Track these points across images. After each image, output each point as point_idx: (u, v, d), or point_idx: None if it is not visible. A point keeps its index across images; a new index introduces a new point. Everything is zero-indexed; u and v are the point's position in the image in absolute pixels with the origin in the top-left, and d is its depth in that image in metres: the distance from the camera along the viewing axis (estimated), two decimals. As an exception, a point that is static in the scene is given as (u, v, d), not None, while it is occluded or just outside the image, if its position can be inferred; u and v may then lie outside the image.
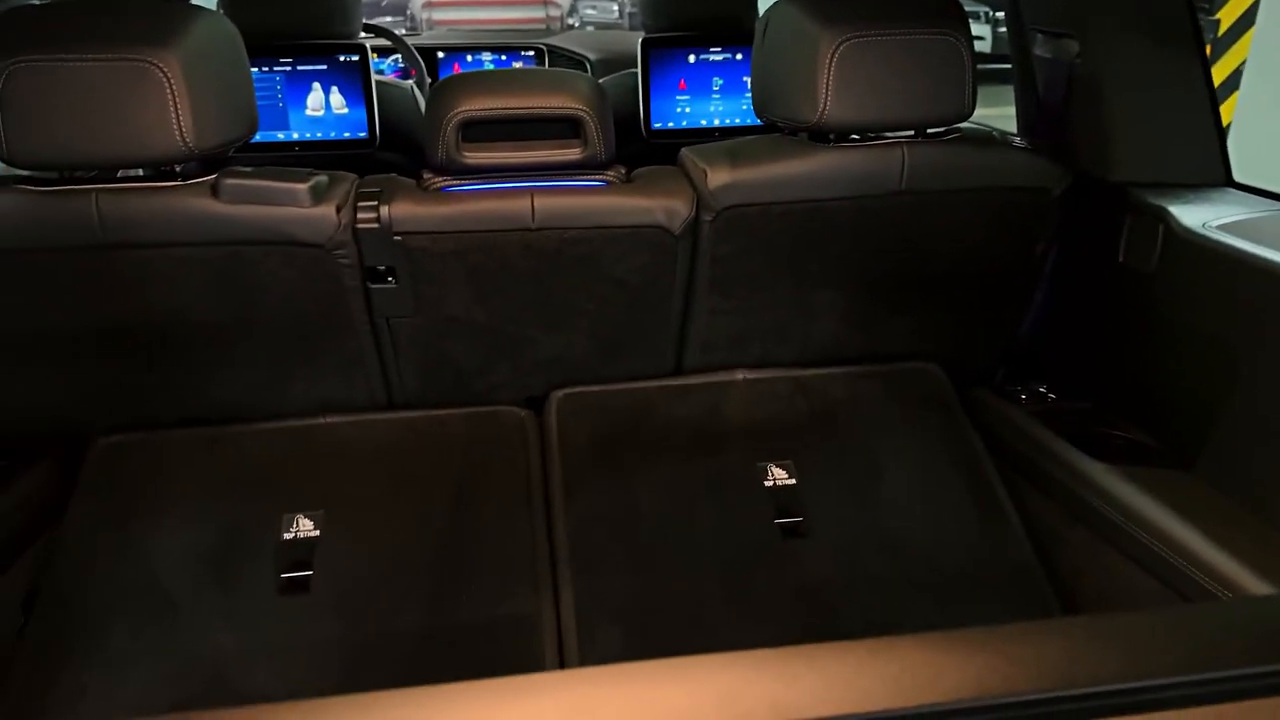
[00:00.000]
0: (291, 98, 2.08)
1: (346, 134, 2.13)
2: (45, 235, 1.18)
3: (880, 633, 0.52)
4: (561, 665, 1.27)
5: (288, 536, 1.38)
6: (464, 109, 1.26)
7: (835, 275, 1.43)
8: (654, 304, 1.40)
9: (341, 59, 2.08)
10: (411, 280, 1.31)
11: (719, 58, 2.21)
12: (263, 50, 2.00)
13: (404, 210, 1.26)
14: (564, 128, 1.31)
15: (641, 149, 2.18)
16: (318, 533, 1.38)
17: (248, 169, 1.24)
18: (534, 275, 1.33)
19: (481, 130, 1.29)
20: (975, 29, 8.43)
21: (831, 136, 1.32)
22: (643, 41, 2.17)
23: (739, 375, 1.58)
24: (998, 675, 0.48)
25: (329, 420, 1.50)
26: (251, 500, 1.41)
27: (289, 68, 2.07)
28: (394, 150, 2.20)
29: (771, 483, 1.49)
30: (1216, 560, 1.11)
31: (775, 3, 1.35)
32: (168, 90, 1.12)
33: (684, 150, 1.39)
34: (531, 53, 3.13)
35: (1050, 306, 1.58)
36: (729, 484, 1.49)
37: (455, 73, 3.10)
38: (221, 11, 2.54)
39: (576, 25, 9.86)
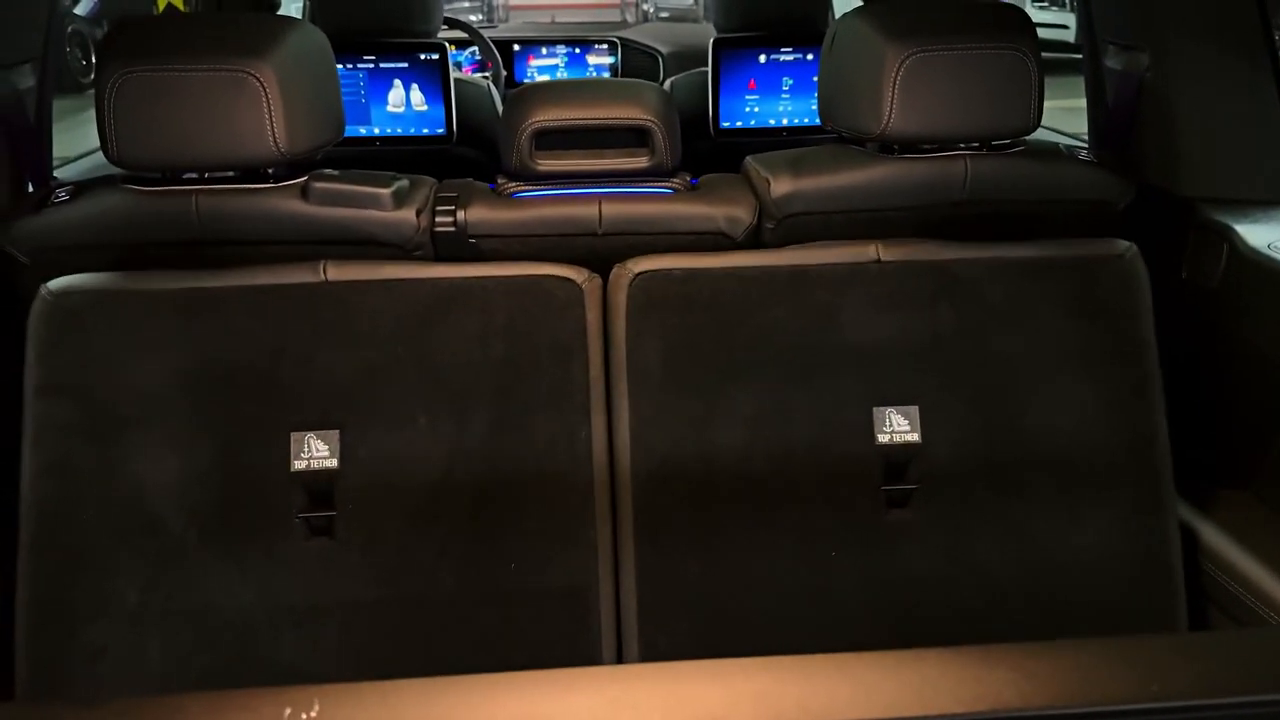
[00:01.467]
0: (374, 94, 2.17)
1: (425, 130, 2.21)
2: (149, 231, 1.27)
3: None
4: (620, 655, 1.23)
5: (299, 466, 1.21)
6: (538, 119, 1.32)
7: None
8: None
9: (422, 57, 2.16)
10: None
11: (789, 58, 2.23)
12: (347, 48, 2.09)
13: (479, 214, 1.32)
14: (632, 136, 1.36)
15: (709, 147, 2.22)
16: (335, 463, 1.21)
17: (335, 173, 1.31)
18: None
19: (554, 138, 1.35)
20: (1059, 17, 8.22)
21: (895, 147, 1.34)
22: (714, 42, 2.20)
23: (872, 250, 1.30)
24: (1014, 690, 0.52)
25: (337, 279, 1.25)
26: (250, 407, 1.23)
27: (372, 65, 2.15)
28: (470, 146, 2.28)
29: (887, 437, 1.26)
30: (1269, 585, 1.11)
31: (844, 15, 1.38)
32: (264, 99, 1.20)
33: (748, 159, 1.43)
34: (605, 45, 3.18)
35: None
36: (830, 429, 1.25)
37: (530, 64, 3.18)
38: (309, 10, 2.66)
39: (651, 11, 9.87)
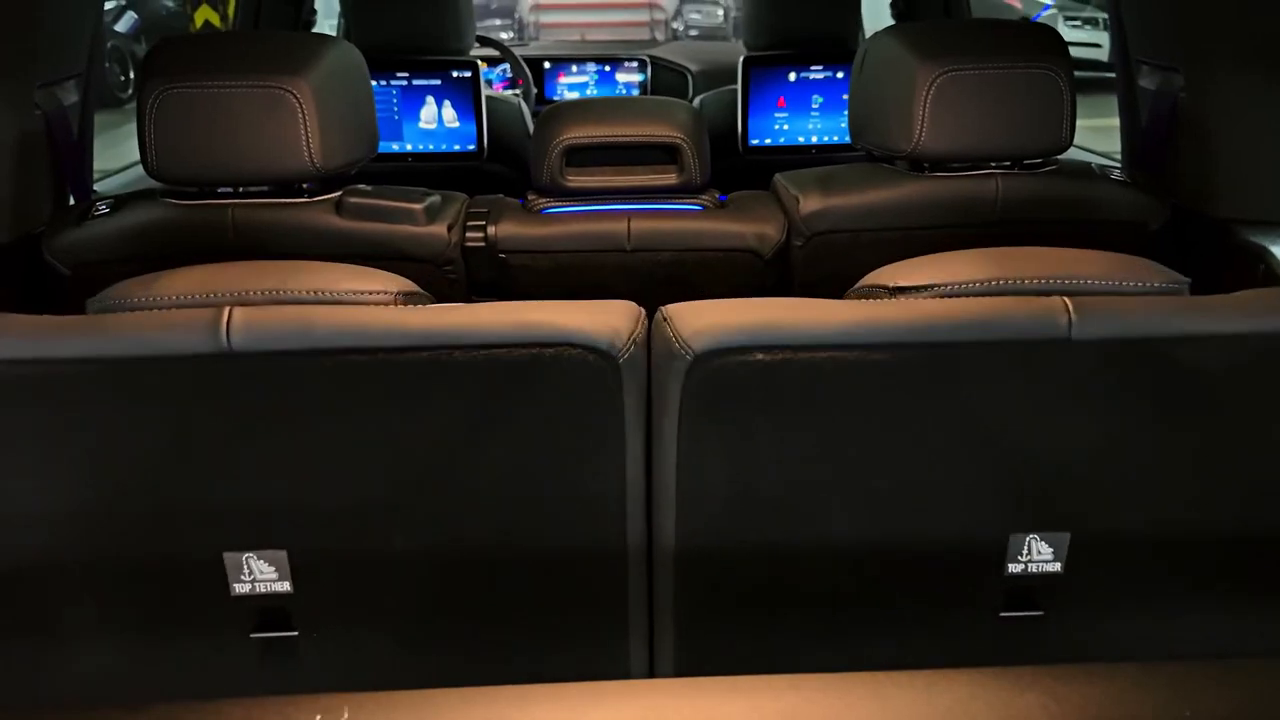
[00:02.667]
0: (406, 110, 2.20)
1: (457, 146, 2.23)
2: (185, 243, 1.29)
3: None
4: None
5: (241, 590, 0.94)
6: (568, 136, 1.33)
7: None
8: None
9: (455, 75, 2.19)
10: (513, 295, 1.39)
11: (819, 76, 2.23)
12: (382, 65, 2.12)
13: (508, 230, 1.33)
14: (662, 154, 1.37)
15: (737, 164, 2.22)
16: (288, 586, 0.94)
17: (368, 188, 1.33)
18: (629, 294, 1.39)
19: (584, 155, 1.36)
20: (1092, 35, 8.18)
21: (926, 166, 1.34)
22: (744, 60, 2.21)
23: None
24: (1044, 713, 0.51)
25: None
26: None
27: (405, 82, 2.18)
28: (500, 162, 2.30)
29: (1020, 566, 0.96)
30: None
31: (875, 33, 1.38)
32: (300, 115, 1.22)
33: (777, 176, 1.43)
34: (635, 63, 3.21)
35: None
36: (953, 552, 0.96)
37: (559, 82, 3.21)
38: (344, 24, 2.70)
39: (680, 29, 9.95)
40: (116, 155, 2.14)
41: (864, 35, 2.43)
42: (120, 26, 8.72)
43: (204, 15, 8.64)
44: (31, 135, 1.37)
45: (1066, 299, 0.89)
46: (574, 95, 3.16)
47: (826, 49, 2.22)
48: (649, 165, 1.37)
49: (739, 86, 2.23)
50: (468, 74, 2.19)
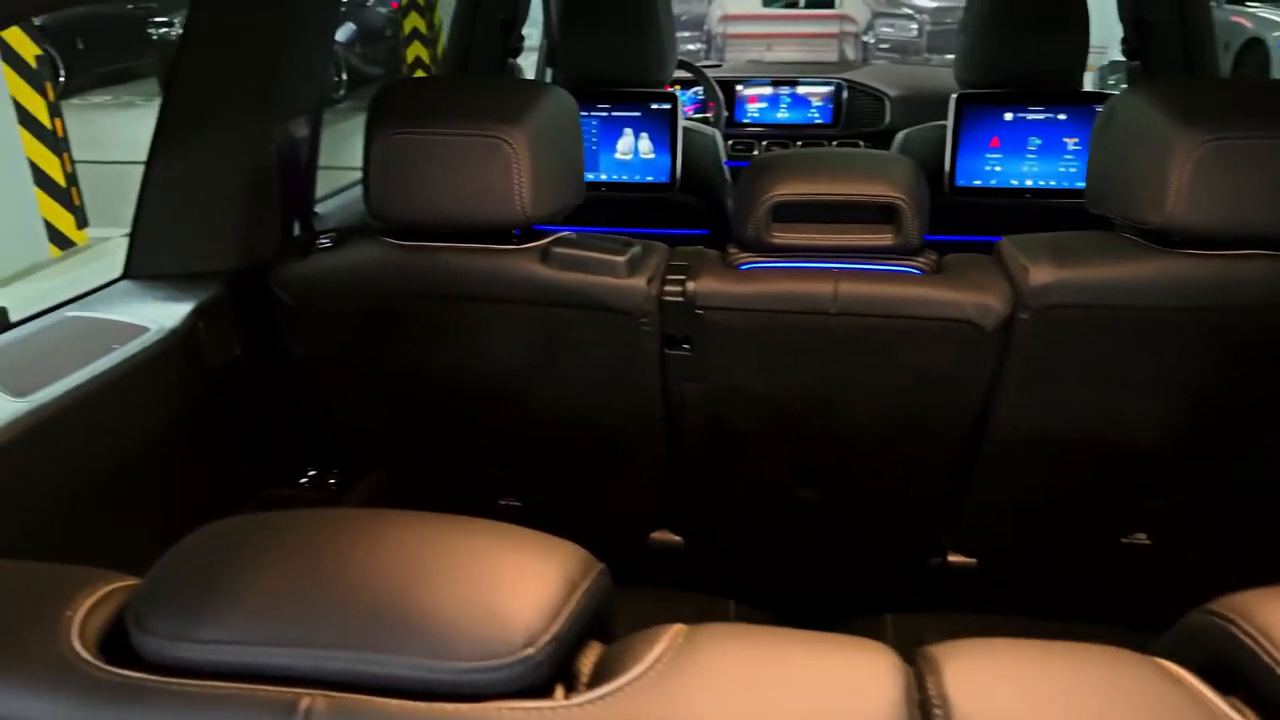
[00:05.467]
0: (604, 141, 2.21)
1: (650, 177, 2.22)
2: (403, 283, 1.33)
3: None
4: None
5: None
6: (780, 192, 1.27)
7: (1158, 387, 1.30)
8: (951, 398, 1.34)
9: (654, 107, 2.18)
10: (706, 351, 1.35)
11: (1039, 116, 2.08)
12: (583, 95, 2.13)
13: (708, 285, 1.29)
14: (876, 211, 1.29)
15: (941, 204, 2.10)
16: None
17: (574, 236, 1.33)
18: (825, 356, 1.32)
19: (792, 210, 1.30)
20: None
21: (1176, 240, 1.20)
22: (957, 98, 2.09)
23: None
24: None
25: None
26: None
27: (605, 113, 2.19)
28: (691, 193, 2.27)
29: None
30: None
31: (1124, 91, 1.26)
32: (514, 164, 1.22)
33: (1003, 241, 1.33)
34: (829, 86, 3.12)
35: None
36: None
37: (750, 105, 3.16)
38: (544, 51, 2.75)
39: (872, 43, 9.67)
40: (332, 153, 2.25)
41: (1099, 77, 2.25)
42: (340, 35, 9.42)
43: (412, 23, 9.16)
44: (266, 168, 1.45)
45: None
46: (764, 119, 3.10)
47: (1047, 87, 2.07)
48: (861, 223, 1.30)
49: (950, 123, 2.11)
50: (667, 106, 2.17)
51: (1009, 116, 2.09)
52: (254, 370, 1.45)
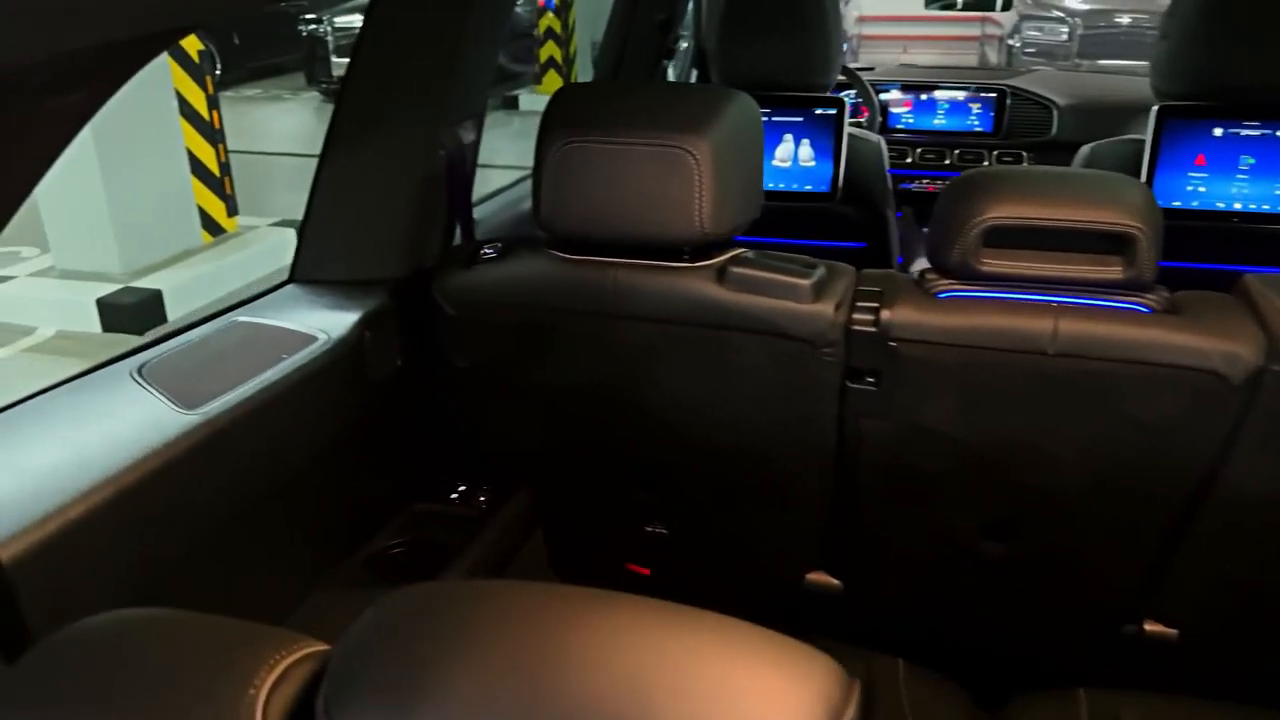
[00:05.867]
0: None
1: (809, 186, 2.11)
2: (568, 299, 1.26)
3: None
4: None
5: None
6: (995, 214, 1.14)
7: None
8: (1176, 454, 1.18)
9: (818, 112, 2.06)
10: (894, 387, 1.23)
11: (1255, 133, 1.87)
12: None
13: (905, 316, 1.18)
14: (1102, 241, 1.15)
15: None
16: None
17: (752, 255, 1.23)
18: (1036, 400, 1.18)
19: (1005, 235, 1.17)
20: None
21: None
22: (1159, 110, 1.90)
23: None
24: None
25: None
26: None
27: (766, 118, 2.09)
28: (851, 204, 2.15)
29: None
30: None
31: None
32: (695, 177, 1.14)
33: (1248, 277, 1.16)
34: (992, 94, 2.93)
35: None
36: None
37: (904, 110, 2.99)
38: (692, 51, 2.66)
39: (1017, 46, 9.21)
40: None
41: None
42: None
43: (546, 23, 9.26)
44: (434, 173, 1.41)
45: None
46: (918, 125, 2.94)
47: (1265, 99, 1.85)
48: (1085, 252, 1.15)
49: (1149, 138, 1.92)
50: (832, 111, 2.06)
51: (1218, 132, 1.89)
52: (412, 382, 1.40)
